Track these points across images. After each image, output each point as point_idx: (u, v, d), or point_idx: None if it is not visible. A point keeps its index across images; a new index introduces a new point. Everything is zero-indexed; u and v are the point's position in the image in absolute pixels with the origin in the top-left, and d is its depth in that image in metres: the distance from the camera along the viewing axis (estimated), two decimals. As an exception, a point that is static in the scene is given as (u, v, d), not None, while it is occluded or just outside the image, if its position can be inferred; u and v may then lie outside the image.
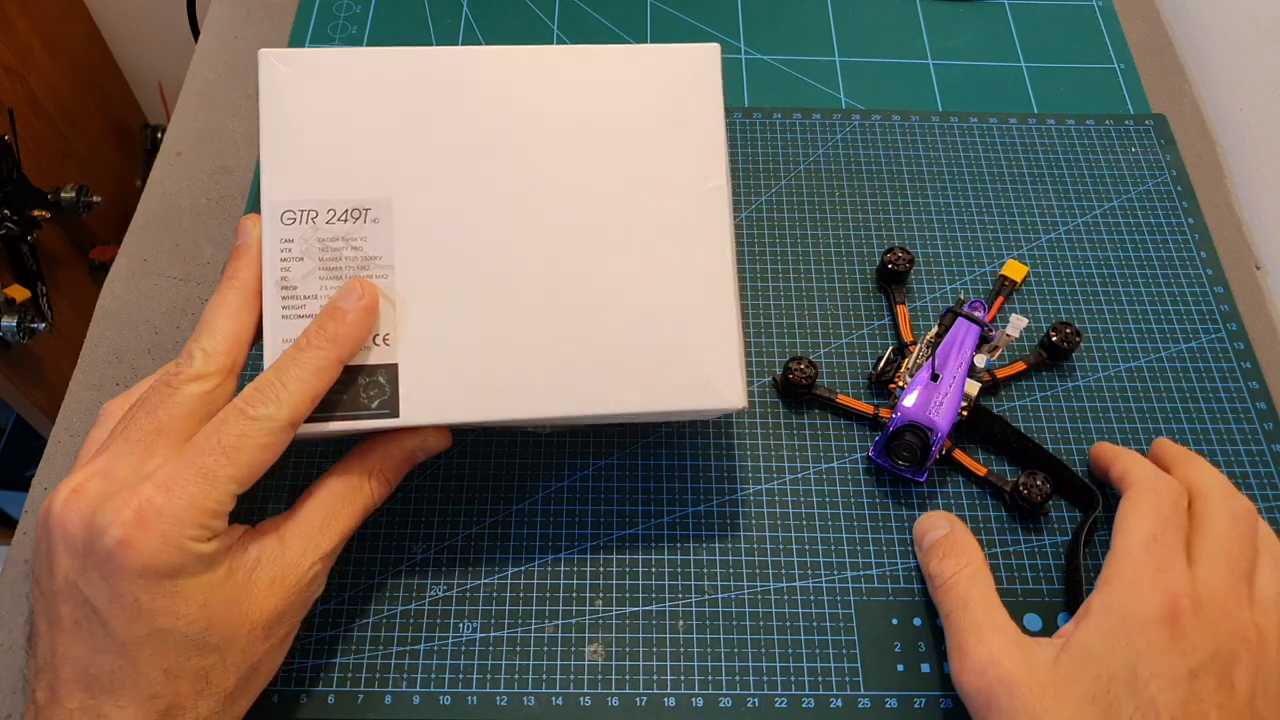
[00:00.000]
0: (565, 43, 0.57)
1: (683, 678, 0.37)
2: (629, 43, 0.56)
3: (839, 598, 0.39)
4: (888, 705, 0.37)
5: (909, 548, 0.41)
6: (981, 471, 0.42)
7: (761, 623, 0.39)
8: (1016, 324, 0.41)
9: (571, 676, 0.37)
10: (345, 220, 0.34)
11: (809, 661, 0.38)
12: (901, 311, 0.46)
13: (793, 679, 0.38)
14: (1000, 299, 0.46)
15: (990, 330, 0.43)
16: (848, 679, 0.38)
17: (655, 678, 0.37)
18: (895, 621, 0.39)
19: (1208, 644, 0.31)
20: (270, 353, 0.33)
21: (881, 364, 0.43)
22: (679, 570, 0.40)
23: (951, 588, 0.36)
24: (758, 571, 0.40)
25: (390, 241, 0.34)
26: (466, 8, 0.58)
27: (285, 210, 0.33)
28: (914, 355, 0.43)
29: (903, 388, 0.42)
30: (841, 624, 0.39)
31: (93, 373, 0.45)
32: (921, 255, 0.49)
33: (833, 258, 0.49)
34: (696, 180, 0.36)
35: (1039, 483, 0.40)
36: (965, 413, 0.42)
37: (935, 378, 0.41)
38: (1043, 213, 0.51)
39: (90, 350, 0.45)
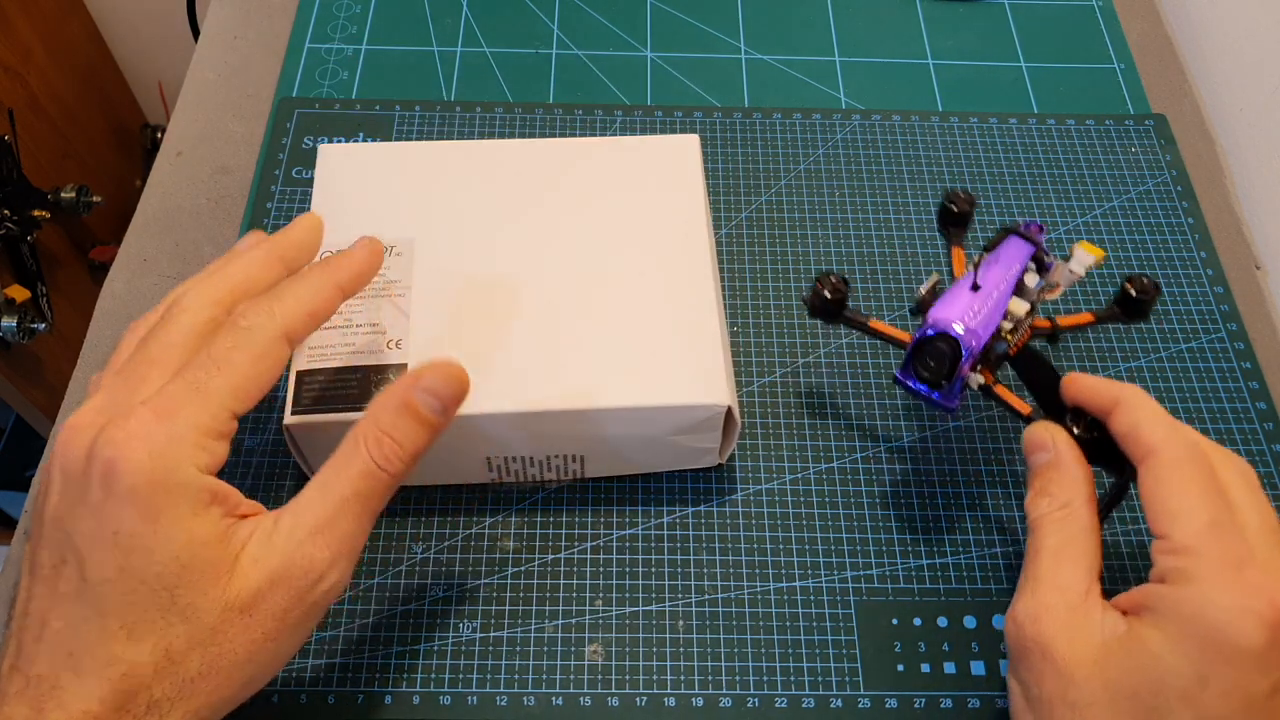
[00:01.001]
0: (565, 42, 0.57)
1: (682, 678, 0.37)
2: (630, 42, 0.57)
3: (839, 598, 0.39)
4: (887, 705, 0.37)
5: (909, 547, 0.41)
6: (1025, 410, 0.37)
7: (761, 623, 0.39)
8: (1082, 259, 0.36)
9: (571, 676, 0.37)
10: None
11: (809, 661, 0.38)
12: (957, 254, 0.41)
13: (792, 679, 0.38)
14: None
15: (1048, 257, 0.37)
16: (847, 679, 0.38)
17: (655, 678, 0.37)
18: (895, 621, 0.39)
19: None
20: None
21: (926, 290, 0.38)
22: (679, 570, 0.40)
23: (1035, 529, 0.32)
24: (757, 571, 0.40)
25: (410, 270, 0.39)
26: (466, 8, 0.58)
27: (323, 252, 0.39)
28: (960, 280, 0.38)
29: None
30: (841, 624, 0.39)
31: (92, 373, 0.45)
32: (923, 255, 0.49)
33: (833, 258, 0.49)
34: (680, 222, 0.41)
35: (1087, 422, 0.34)
36: (1013, 349, 0.37)
37: (975, 288, 0.36)
38: (1043, 213, 0.51)
39: (90, 350, 0.45)
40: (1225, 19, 0.58)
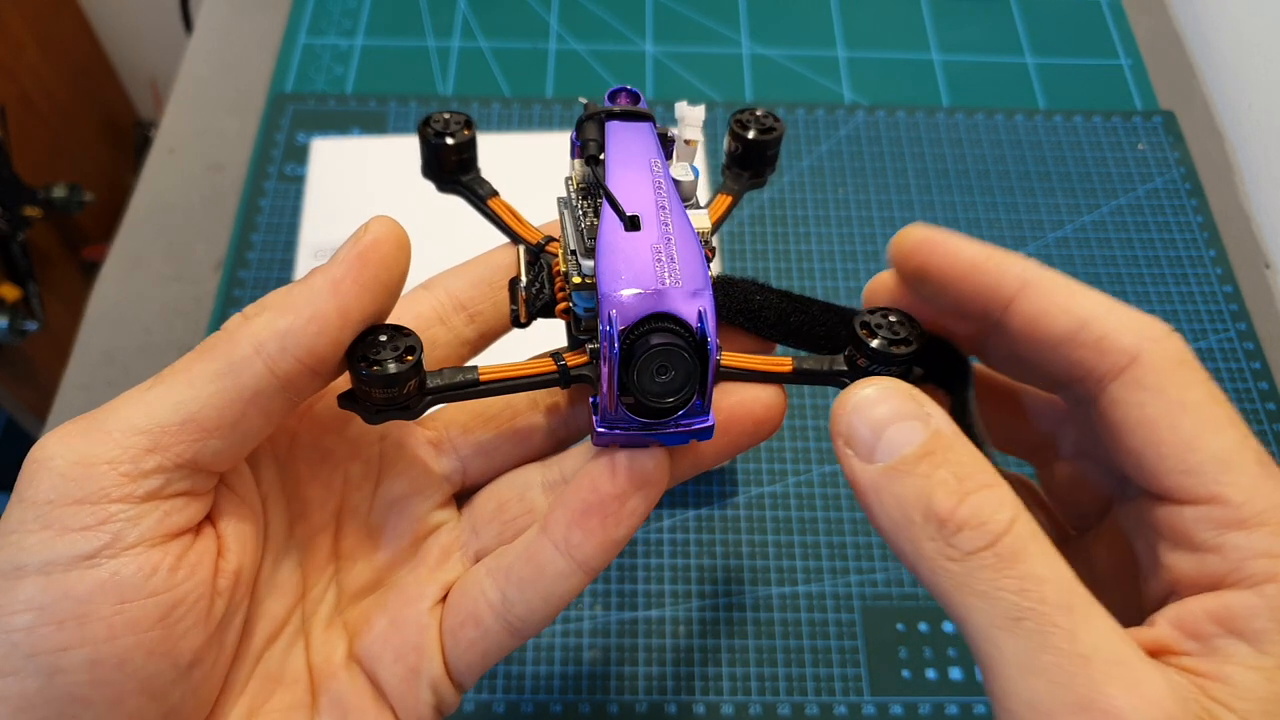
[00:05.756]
0: (564, 36, 0.56)
1: (683, 684, 0.37)
2: (630, 36, 0.56)
3: (843, 602, 0.39)
4: (892, 711, 0.36)
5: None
6: (787, 366, 0.23)
7: (764, 628, 0.38)
8: (690, 116, 0.24)
9: (570, 683, 0.37)
10: None
11: (812, 667, 0.37)
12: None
13: (795, 685, 0.37)
14: None
15: (670, 132, 0.25)
16: (851, 685, 0.37)
17: (655, 684, 0.37)
18: (900, 627, 0.38)
19: None
20: None
21: (527, 283, 0.25)
22: (680, 575, 0.39)
23: (1011, 562, 0.17)
24: (760, 576, 0.39)
25: None
26: (463, 3, 0.58)
27: (317, 250, 0.42)
28: (569, 235, 0.23)
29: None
30: (845, 629, 0.38)
31: (84, 373, 0.44)
32: (926, 253, 0.48)
33: (836, 256, 0.48)
34: None
35: (892, 320, 0.22)
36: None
37: (631, 223, 0.21)
38: (1050, 210, 0.50)
39: (82, 350, 0.45)
40: (1234, 14, 0.57)
